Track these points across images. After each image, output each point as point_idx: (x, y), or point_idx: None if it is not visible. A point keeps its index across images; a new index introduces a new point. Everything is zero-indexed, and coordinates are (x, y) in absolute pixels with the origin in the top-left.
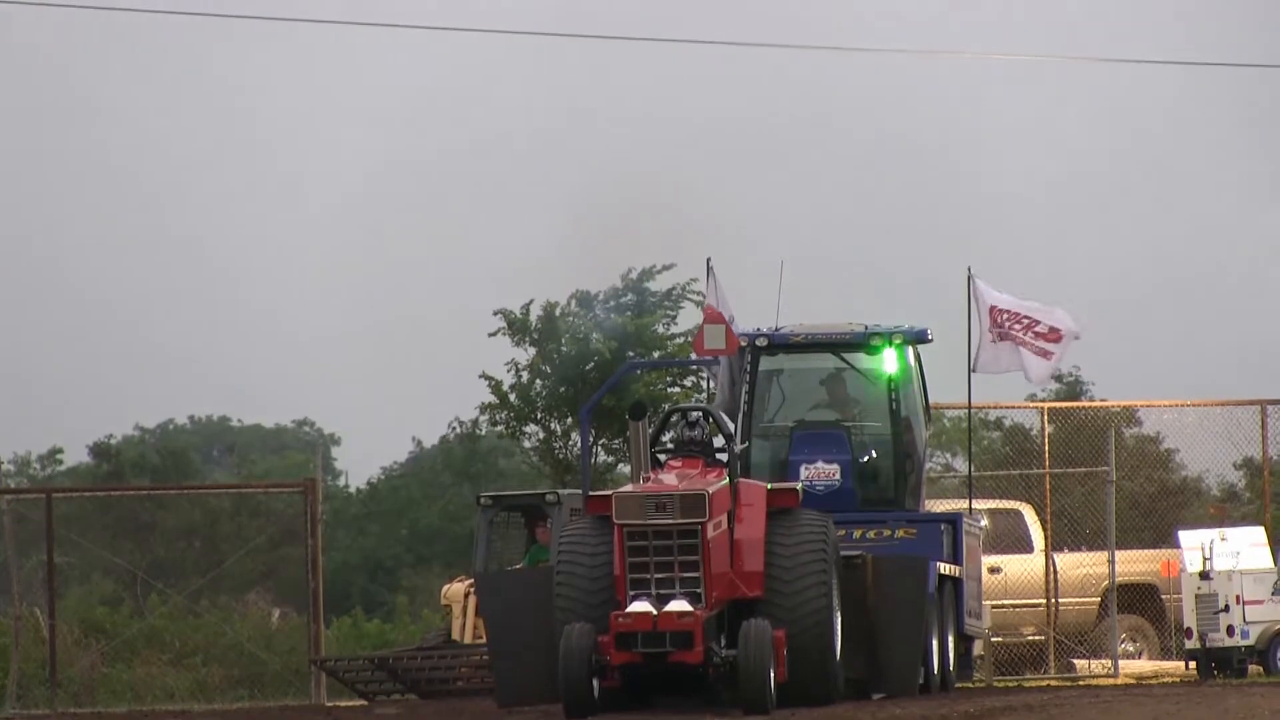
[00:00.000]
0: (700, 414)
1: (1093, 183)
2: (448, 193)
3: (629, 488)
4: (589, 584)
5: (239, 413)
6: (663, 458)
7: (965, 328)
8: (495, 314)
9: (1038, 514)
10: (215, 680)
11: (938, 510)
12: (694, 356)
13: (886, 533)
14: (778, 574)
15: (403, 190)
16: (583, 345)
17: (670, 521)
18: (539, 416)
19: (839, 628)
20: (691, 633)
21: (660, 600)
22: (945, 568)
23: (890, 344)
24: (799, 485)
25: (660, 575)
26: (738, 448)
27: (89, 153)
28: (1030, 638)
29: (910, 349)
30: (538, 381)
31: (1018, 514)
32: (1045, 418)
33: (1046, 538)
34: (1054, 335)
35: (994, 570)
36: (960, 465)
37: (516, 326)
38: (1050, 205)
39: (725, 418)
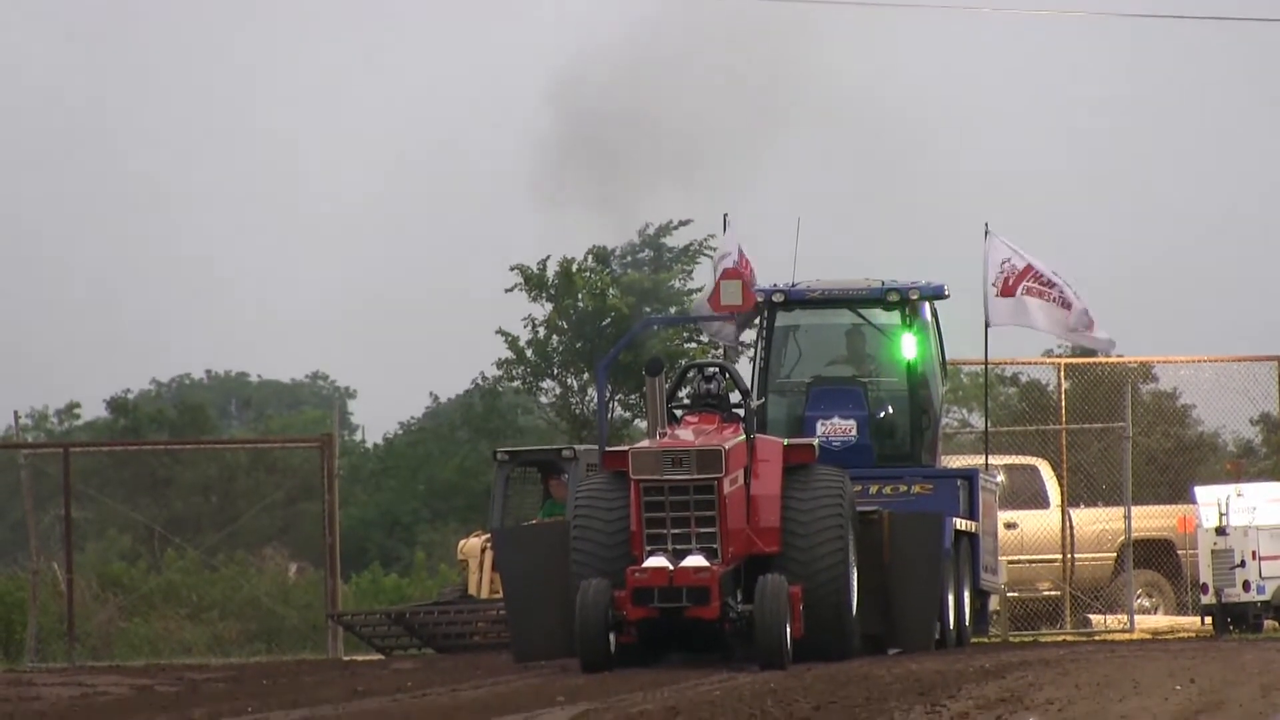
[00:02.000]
0: (717, 369)
1: (1110, 140)
2: (467, 148)
3: (646, 443)
4: (605, 539)
5: (256, 368)
6: (679, 413)
7: (983, 283)
8: (512, 269)
9: (1054, 470)
10: (232, 635)
11: (954, 466)
12: (710, 312)
13: (903, 488)
14: (794, 530)
15: (420, 149)
16: (599, 301)
17: (687, 477)
18: (555, 372)
19: (855, 583)
20: (708, 588)
21: (677, 556)
22: (961, 523)
23: (907, 300)
24: (815, 441)
25: (677, 531)
26: (754, 403)
27: (96, 125)
28: (1046, 593)
29: (927, 305)
30: (554, 337)
31: (1034, 470)
32: (1062, 373)
33: (1063, 493)
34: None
35: (1010, 526)
36: (977, 421)
37: (533, 282)
38: (1067, 163)
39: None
